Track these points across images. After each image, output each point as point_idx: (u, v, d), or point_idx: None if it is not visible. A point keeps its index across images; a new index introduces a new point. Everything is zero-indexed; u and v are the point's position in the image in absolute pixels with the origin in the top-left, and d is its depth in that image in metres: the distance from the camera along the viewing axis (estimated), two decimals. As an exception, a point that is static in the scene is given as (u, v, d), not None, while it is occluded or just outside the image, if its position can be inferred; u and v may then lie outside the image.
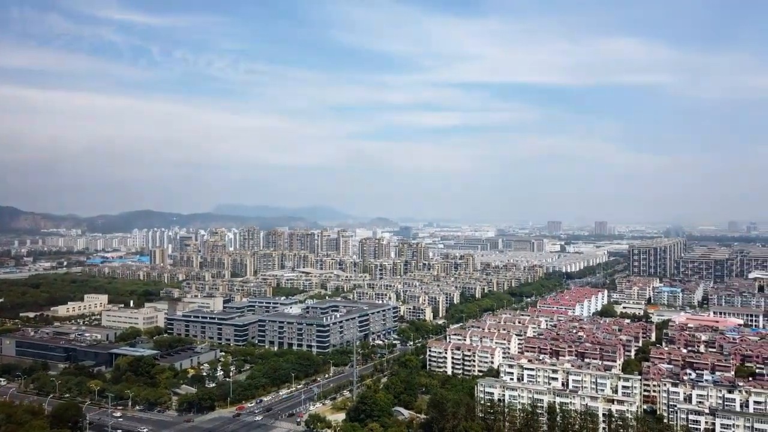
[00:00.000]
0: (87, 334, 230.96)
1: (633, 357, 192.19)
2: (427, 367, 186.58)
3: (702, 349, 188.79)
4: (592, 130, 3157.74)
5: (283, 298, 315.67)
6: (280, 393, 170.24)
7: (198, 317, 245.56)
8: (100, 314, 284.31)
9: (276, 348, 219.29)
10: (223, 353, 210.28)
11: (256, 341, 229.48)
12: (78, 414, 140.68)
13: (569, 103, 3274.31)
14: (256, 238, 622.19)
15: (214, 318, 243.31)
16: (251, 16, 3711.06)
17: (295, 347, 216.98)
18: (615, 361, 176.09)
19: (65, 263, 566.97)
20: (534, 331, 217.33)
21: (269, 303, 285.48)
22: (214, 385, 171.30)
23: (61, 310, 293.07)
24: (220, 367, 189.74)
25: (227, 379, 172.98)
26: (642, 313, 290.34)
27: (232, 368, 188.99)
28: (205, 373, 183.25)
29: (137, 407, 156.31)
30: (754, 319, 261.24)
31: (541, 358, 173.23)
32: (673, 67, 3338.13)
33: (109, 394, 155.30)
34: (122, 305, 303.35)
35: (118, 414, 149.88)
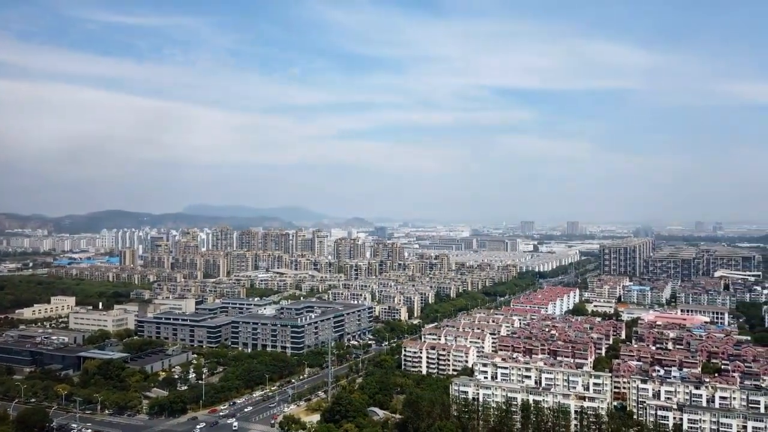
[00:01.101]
0: (54, 337, 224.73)
1: (604, 354, 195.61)
2: (403, 366, 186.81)
3: (670, 346, 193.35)
4: (565, 133, 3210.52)
5: (256, 299, 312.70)
6: (254, 395, 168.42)
7: (169, 319, 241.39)
8: (67, 317, 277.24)
9: (250, 349, 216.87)
10: (196, 355, 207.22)
11: (230, 343, 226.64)
12: (44, 419, 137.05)
13: (544, 106, 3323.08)
14: (230, 238, 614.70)
15: (186, 320, 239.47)
16: (232, 16, 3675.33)
17: (269, 349, 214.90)
18: (586, 359, 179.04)
19: (31, 264, 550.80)
20: (508, 330, 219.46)
21: (243, 304, 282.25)
22: (186, 387, 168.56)
23: (27, 313, 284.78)
24: (192, 370, 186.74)
25: (200, 382, 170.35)
26: (612, 311, 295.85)
27: (205, 370, 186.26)
28: (176, 376, 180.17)
29: (106, 411, 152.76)
30: (719, 316, 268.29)
31: (514, 356, 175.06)
32: (643, 71, 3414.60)
33: (77, 398, 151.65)
34: (90, 307, 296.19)
35: (87, 423, 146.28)
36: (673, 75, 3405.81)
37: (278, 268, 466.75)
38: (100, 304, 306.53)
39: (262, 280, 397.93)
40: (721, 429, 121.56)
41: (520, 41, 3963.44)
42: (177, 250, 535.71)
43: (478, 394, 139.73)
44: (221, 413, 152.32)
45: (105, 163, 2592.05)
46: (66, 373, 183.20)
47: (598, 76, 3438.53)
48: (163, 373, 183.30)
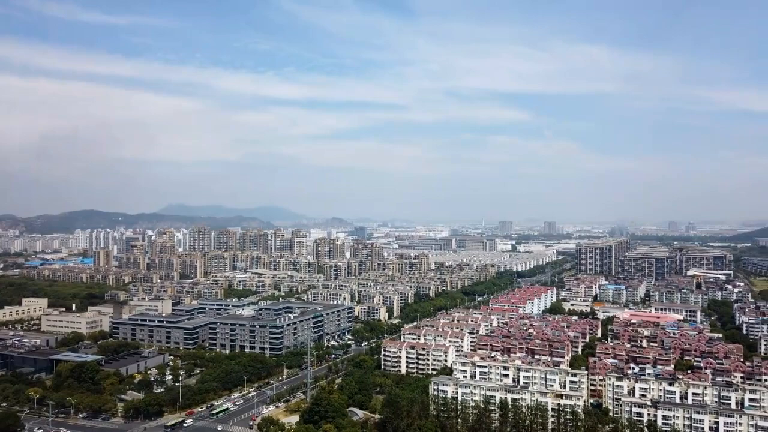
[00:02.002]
0: (25, 340, 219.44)
1: (580, 352, 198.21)
2: (382, 366, 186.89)
3: (644, 343, 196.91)
4: (542, 135, 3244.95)
5: (235, 299, 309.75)
6: (233, 397, 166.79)
7: (145, 321, 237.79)
8: (39, 319, 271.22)
9: (228, 351, 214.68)
10: (172, 357, 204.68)
11: (207, 344, 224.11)
12: (16, 423, 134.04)
13: (524, 108, 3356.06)
14: (207, 238, 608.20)
15: (162, 321, 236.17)
16: (212, 17, 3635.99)
17: (247, 350, 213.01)
18: (563, 357, 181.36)
19: (1, 265, 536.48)
20: (486, 329, 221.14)
21: (220, 305, 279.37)
22: (162, 390, 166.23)
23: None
24: (168, 372, 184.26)
25: (176, 384, 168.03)
26: (588, 310, 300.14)
27: (182, 372, 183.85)
28: (152, 378, 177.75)
29: (80, 415, 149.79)
30: (692, 314, 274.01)
31: (493, 355, 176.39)
32: (621, 75, 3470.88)
33: (50, 402, 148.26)
34: (64, 309, 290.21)
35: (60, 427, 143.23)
36: (649, 80, 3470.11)
37: (257, 268, 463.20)
38: (74, 305, 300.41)
39: (240, 281, 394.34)
40: (693, 425, 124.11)
41: (497, 45, 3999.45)
42: (153, 251, 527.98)
43: (457, 393, 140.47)
44: (198, 415, 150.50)
45: (78, 160, 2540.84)
46: (38, 377, 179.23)
47: (576, 80, 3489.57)
48: (139, 376, 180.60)
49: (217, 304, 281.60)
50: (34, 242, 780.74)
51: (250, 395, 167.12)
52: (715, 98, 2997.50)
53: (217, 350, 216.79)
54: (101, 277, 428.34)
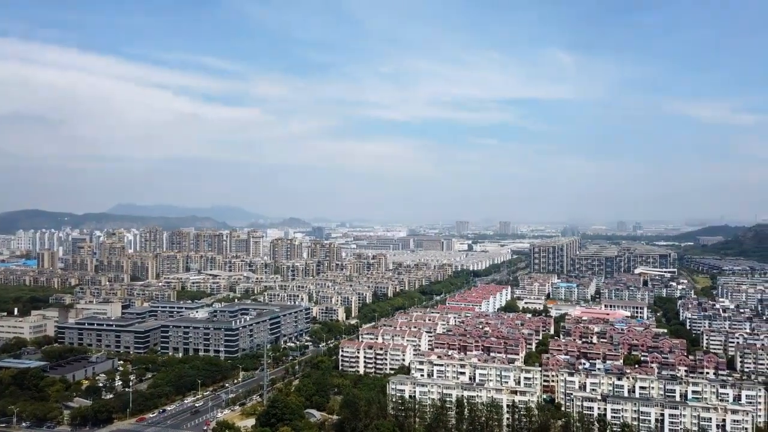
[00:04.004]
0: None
1: (534, 349, 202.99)
2: (340, 367, 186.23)
3: (595, 340, 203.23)
4: (496, 136, 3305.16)
5: (188, 302, 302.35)
6: (186, 401, 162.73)
7: (93, 324, 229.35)
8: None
9: (181, 355, 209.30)
10: (122, 362, 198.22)
11: (159, 348, 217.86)
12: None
13: (485, 112, 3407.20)
14: (159, 239, 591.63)
15: (111, 325, 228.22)
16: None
17: (201, 353, 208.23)
18: (518, 354, 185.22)
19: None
20: (443, 328, 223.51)
21: (173, 308, 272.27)
22: (111, 396, 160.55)
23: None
24: (118, 377, 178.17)
25: (126, 390, 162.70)
26: (542, 307, 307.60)
27: (132, 377, 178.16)
28: (101, 384, 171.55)
29: (24, 424, 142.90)
30: (639, 311, 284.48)
31: (449, 353, 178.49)
32: (574, 80, 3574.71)
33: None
34: (5, 314, 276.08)
35: None
36: (601, 85, 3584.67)
37: (211, 269, 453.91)
38: (16, 309, 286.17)
39: (193, 283, 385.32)
40: (641, 417, 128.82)
41: (457, 47, 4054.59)
42: (101, 252, 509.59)
43: (414, 392, 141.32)
44: (149, 421, 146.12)
45: (20, 158, 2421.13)
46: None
47: (531, 84, 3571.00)
48: (87, 382, 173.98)
49: (169, 307, 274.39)
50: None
51: (204, 399, 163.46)
52: (665, 106, 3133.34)
53: (170, 354, 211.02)
54: (46, 279, 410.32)
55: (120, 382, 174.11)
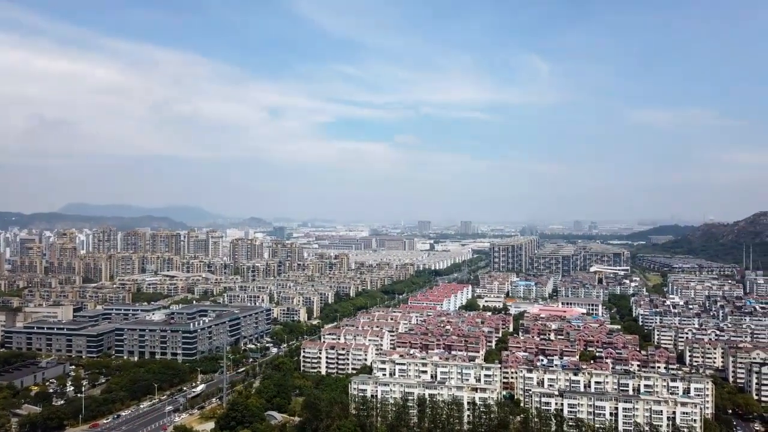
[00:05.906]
0: None
1: (494, 347, 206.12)
2: (302, 368, 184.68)
3: (552, 336, 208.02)
4: (461, 135, 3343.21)
5: (144, 304, 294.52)
6: (142, 406, 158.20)
7: (43, 328, 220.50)
8: None
9: (136, 358, 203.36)
10: (74, 367, 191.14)
11: (113, 352, 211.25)
12: None
13: (445, 112, 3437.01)
14: (113, 239, 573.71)
15: (62, 328, 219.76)
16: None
17: (158, 356, 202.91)
18: (478, 352, 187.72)
19: None
20: (405, 327, 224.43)
21: (128, 310, 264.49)
22: (63, 402, 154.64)
23: None
24: (70, 383, 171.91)
25: (79, 395, 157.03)
26: (502, 305, 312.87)
27: (85, 383, 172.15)
28: (52, 390, 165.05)
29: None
30: (594, 308, 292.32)
31: (411, 352, 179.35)
32: (536, 86, 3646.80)
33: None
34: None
35: None
36: (560, 90, 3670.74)
37: (168, 270, 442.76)
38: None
39: (150, 284, 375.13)
40: (596, 411, 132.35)
41: (428, 52, 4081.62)
42: (51, 253, 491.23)
43: (376, 391, 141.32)
44: (103, 427, 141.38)
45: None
46: None
47: (490, 87, 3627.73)
48: (36, 388, 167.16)
49: (124, 309, 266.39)
50: None
51: (160, 404, 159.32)
52: (619, 112, 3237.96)
53: (125, 358, 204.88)
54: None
55: (72, 388, 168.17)
